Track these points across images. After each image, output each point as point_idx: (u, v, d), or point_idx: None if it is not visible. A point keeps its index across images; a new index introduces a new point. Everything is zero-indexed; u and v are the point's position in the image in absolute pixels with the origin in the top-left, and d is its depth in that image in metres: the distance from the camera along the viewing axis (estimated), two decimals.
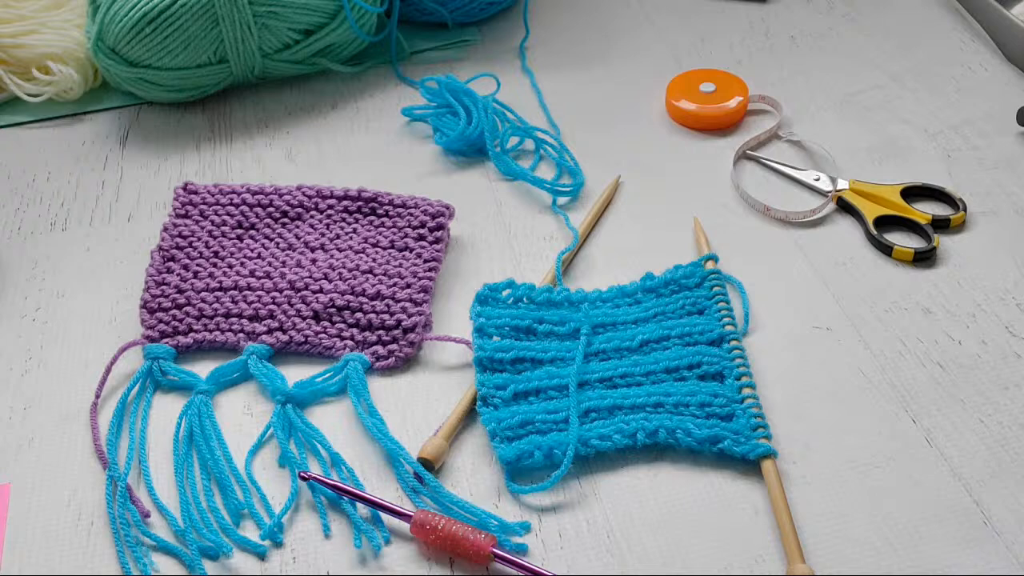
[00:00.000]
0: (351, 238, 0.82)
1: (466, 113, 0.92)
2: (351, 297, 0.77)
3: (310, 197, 0.84)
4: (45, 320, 0.78)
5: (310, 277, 0.78)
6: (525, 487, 0.66)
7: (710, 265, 0.79)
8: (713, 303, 0.76)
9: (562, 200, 0.87)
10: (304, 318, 0.76)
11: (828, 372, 0.73)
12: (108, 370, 0.73)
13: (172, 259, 0.80)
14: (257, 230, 0.83)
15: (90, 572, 0.63)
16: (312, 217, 0.83)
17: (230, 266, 0.80)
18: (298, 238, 0.82)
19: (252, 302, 0.77)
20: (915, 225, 0.83)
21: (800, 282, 0.80)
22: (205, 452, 0.68)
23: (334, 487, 0.65)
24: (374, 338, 0.75)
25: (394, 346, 0.75)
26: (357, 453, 0.69)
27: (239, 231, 0.83)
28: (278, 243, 0.82)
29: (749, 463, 0.67)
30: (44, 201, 0.89)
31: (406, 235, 0.81)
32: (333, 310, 0.76)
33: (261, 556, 0.63)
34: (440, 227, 0.82)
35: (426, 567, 0.63)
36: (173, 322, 0.76)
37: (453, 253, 0.83)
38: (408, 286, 0.78)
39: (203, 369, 0.74)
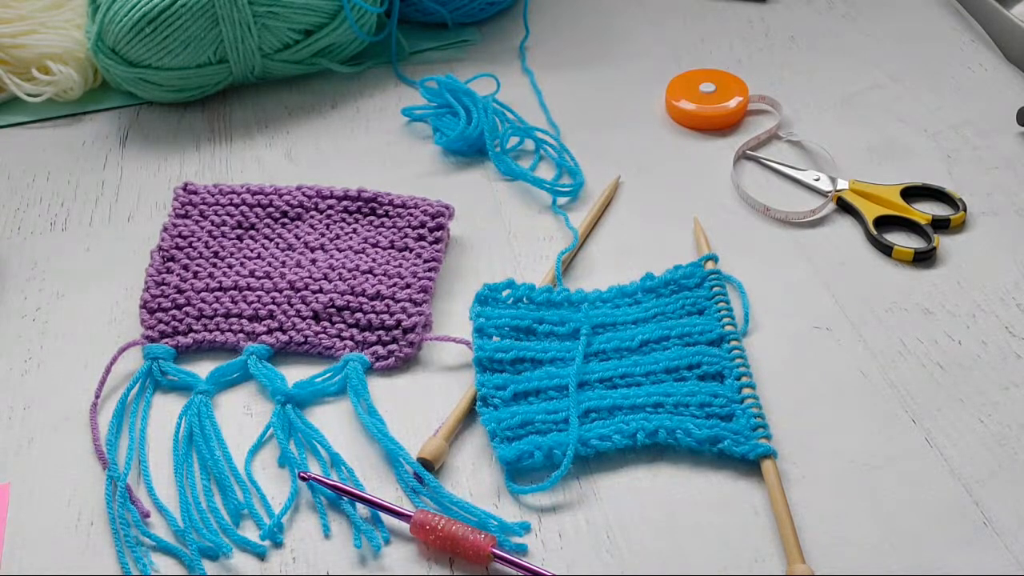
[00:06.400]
0: (351, 238, 0.82)
1: (466, 113, 0.92)
2: (351, 297, 0.77)
3: (310, 197, 0.84)
4: (45, 320, 0.78)
5: (310, 277, 0.78)
6: (525, 487, 0.66)
7: (710, 265, 0.79)
8: (713, 303, 0.76)
9: (562, 200, 0.87)
10: (304, 318, 0.76)
11: (828, 372, 0.73)
12: (108, 370, 0.73)
13: (172, 259, 0.80)
14: (257, 230, 0.83)
15: (90, 572, 0.63)
16: (312, 217, 0.83)
17: (230, 266, 0.80)
18: (298, 238, 0.82)
19: (252, 302, 0.77)
20: (915, 225, 0.83)
21: (800, 282, 0.80)
22: (205, 452, 0.68)
23: (334, 487, 0.65)
24: (374, 338, 0.75)
25: (394, 346, 0.75)
26: (357, 453, 0.69)
27: (239, 231, 0.82)
28: (278, 243, 0.82)
29: (749, 463, 0.67)
30: (44, 201, 0.89)
31: (406, 235, 0.81)
32: (333, 310, 0.76)
33: (261, 556, 0.63)
34: (440, 227, 0.82)
35: (426, 567, 0.63)
36: (173, 322, 0.76)
37: (453, 253, 0.83)
38: (408, 286, 0.78)
39: (203, 369, 0.74)
